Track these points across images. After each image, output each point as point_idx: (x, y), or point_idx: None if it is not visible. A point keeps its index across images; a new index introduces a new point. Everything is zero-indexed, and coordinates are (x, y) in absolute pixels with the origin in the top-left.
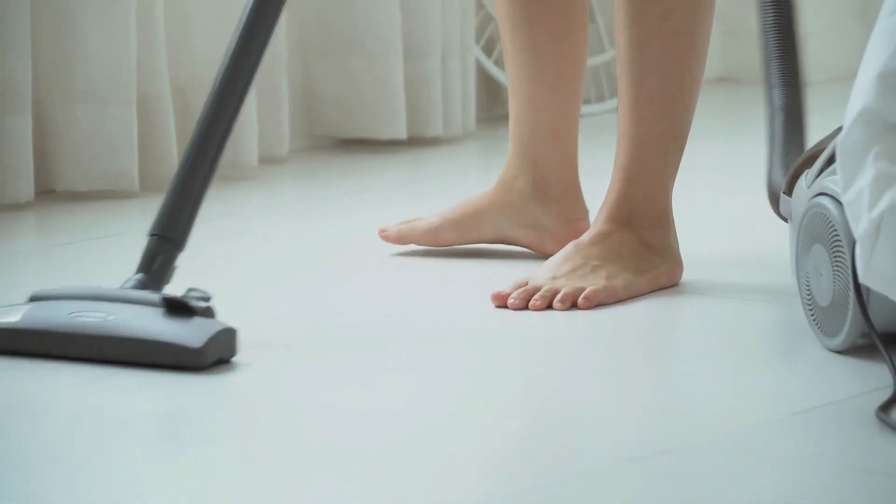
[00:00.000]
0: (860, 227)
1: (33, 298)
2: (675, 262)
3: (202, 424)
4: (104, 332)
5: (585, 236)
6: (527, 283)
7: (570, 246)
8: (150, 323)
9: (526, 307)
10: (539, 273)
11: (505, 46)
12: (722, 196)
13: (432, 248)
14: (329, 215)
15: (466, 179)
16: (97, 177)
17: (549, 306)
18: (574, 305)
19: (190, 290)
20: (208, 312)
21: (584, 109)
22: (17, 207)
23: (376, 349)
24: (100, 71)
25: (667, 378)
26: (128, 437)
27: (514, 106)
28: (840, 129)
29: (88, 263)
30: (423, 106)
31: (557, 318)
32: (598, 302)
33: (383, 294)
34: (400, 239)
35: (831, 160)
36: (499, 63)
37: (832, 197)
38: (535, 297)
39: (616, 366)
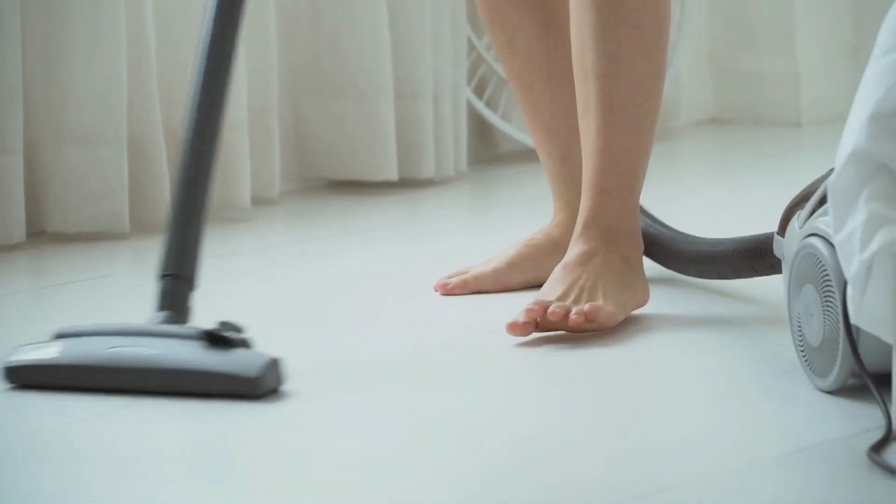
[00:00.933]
0: (852, 268)
1: (60, 335)
2: (646, 283)
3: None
4: (153, 364)
5: (569, 257)
6: (532, 309)
7: (557, 269)
8: (197, 355)
9: (536, 326)
10: (539, 299)
11: (531, 94)
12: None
13: (497, 292)
14: (321, 257)
15: (458, 221)
16: (88, 218)
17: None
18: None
19: (221, 323)
20: (246, 344)
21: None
22: (8, 249)
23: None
24: (91, 112)
25: (655, 417)
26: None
27: (556, 147)
28: (832, 170)
29: (80, 304)
30: (415, 148)
31: (549, 354)
32: (597, 320)
33: (392, 330)
34: (465, 287)
35: (823, 201)
36: (490, 104)
37: (823, 238)
38: (548, 313)
39: (603, 404)
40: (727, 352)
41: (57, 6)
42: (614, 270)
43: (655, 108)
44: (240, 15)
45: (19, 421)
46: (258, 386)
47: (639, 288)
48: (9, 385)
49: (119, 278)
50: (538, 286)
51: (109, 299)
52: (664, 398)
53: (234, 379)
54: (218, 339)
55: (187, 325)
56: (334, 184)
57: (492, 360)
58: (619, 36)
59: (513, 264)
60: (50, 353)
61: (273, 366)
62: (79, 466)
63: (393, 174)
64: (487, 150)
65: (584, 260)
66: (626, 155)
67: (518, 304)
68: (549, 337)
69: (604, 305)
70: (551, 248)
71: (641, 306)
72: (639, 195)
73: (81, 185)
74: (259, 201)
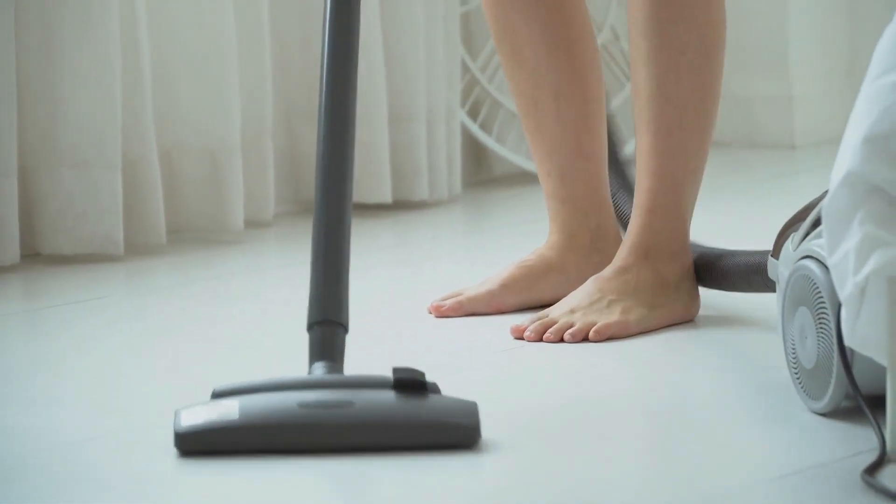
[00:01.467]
0: (846, 290)
1: (219, 394)
2: (691, 298)
3: None
4: (358, 418)
5: (606, 270)
6: (544, 317)
7: (589, 280)
8: (401, 404)
9: (541, 340)
10: (557, 307)
11: (541, 108)
12: None
13: (491, 314)
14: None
15: (452, 244)
16: (82, 240)
17: (562, 339)
18: (586, 338)
19: (397, 369)
20: (437, 389)
21: None
22: (2, 270)
23: None
24: (85, 135)
25: (650, 439)
26: None
27: (556, 167)
28: (826, 192)
29: (75, 327)
30: (409, 170)
31: (558, 358)
32: (608, 335)
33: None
34: (459, 309)
35: (817, 223)
36: (485, 127)
37: (817, 260)
38: (549, 330)
39: (598, 425)
40: (721, 373)
41: (51, 29)
42: (644, 287)
43: (705, 129)
44: (357, 31)
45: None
46: (477, 434)
47: (676, 305)
48: (182, 452)
49: (114, 300)
50: (532, 308)
51: (105, 322)
52: (656, 420)
53: (455, 428)
54: (414, 385)
55: (369, 374)
56: None
57: (482, 383)
58: (665, 60)
59: (506, 286)
60: (227, 413)
61: (476, 411)
62: None
63: (387, 196)
64: (481, 173)
65: (617, 274)
66: (672, 175)
67: (510, 326)
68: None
69: (614, 322)
70: (545, 270)
71: (681, 320)
72: (687, 214)
73: (76, 208)
74: (253, 224)
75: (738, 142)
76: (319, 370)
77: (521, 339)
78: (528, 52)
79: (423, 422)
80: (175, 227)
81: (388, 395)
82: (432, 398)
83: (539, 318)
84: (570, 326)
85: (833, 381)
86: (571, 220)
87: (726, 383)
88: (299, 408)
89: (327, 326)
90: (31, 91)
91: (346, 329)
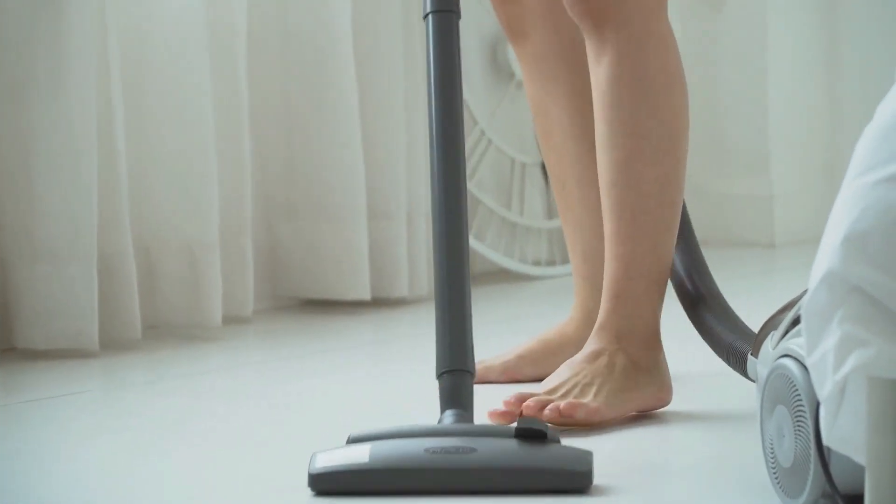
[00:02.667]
0: (825, 390)
1: (354, 440)
2: (664, 384)
3: None
4: (480, 464)
5: (579, 355)
6: (520, 399)
7: (563, 365)
8: (522, 452)
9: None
10: (522, 392)
11: (568, 189)
12: (690, 365)
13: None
14: (294, 376)
15: (431, 341)
16: (57, 335)
17: None
18: (559, 422)
19: (522, 419)
20: (557, 439)
21: (548, 271)
22: None
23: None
24: (61, 229)
25: None
26: None
27: (580, 244)
28: (806, 291)
29: (50, 421)
30: (389, 267)
31: None
32: (577, 420)
33: None
34: (476, 378)
35: (796, 322)
36: None
37: (795, 359)
38: (525, 413)
39: None
40: (696, 471)
41: (27, 122)
42: (617, 371)
43: (669, 215)
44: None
45: None
46: (591, 480)
47: (648, 390)
48: (316, 492)
49: (90, 395)
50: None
51: (81, 416)
52: None
53: (571, 474)
54: (535, 433)
55: (493, 424)
56: (307, 303)
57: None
58: (627, 146)
59: (522, 357)
60: (359, 456)
61: (590, 460)
62: None
63: (366, 293)
64: None
65: (590, 359)
66: (638, 262)
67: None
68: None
69: (586, 403)
70: (561, 344)
71: (654, 408)
72: (658, 299)
73: (51, 302)
74: (232, 320)
75: (717, 240)
76: (449, 417)
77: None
78: (558, 136)
79: (539, 467)
80: (153, 323)
81: (510, 443)
82: (550, 447)
83: (516, 401)
84: (545, 407)
85: (810, 479)
86: (591, 298)
87: (700, 481)
88: (426, 453)
89: (457, 374)
90: (6, 184)
91: (473, 375)
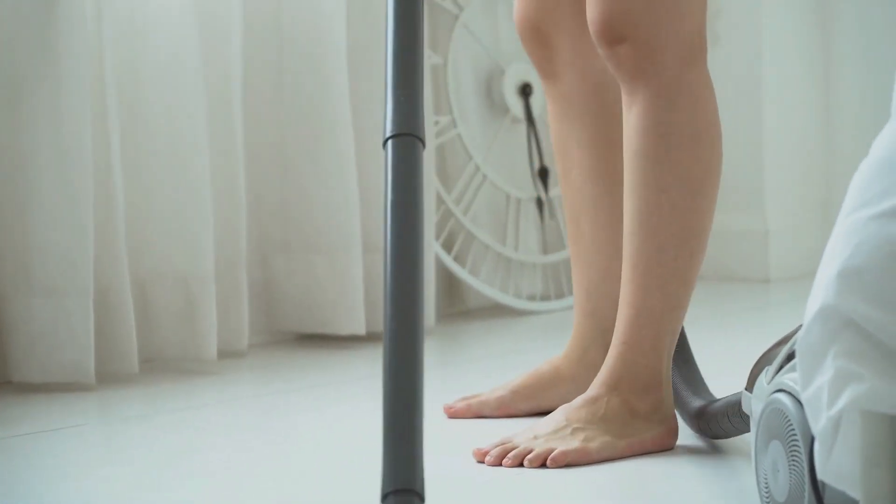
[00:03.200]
0: (819, 425)
1: None
2: (666, 430)
3: None
4: None
5: (576, 400)
6: (508, 442)
7: (558, 409)
8: None
9: (501, 464)
10: (522, 432)
11: (580, 226)
12: None
13: (500, 418)
14: (289, 411)
15: (427, 376)
16: (53, 369)
17: (521, 464)
18: (544, 465)
19: None
20: None
21: (543, 306)
22: None
23: None
24: (57, 263)
25: None
26: None
27: (585, 281)
28: (800, 326)
29: (46, 455)
30: (383, 302)
31: (526, 478)
32: (566, 462)
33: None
34: (469, 412)
35: (790, 357)
36: (458, 259)
37: (790, 394)
38: (509, 455)
39: None
40: None
41: (24, 156)
42: (612, 417)
43: (687, 268)
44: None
45: None
46: None
47: (646, 435)
48: None
49: (86, 429)
50: (541, 413)
51: (77, 450)
52: None
53: None
54: None
55: None
56: (302, 337)
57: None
58: (648, 197)
59: (516, 391)
60: None
61: None
62: None
63: (360, 328)
64: (455, 305)
65: (586, 404)
66: (648, 311)
67: (507, 429)
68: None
69: (574, 448)
70: (555, 379)
71: (653, 451)
72: (663, 350)
73: (47, 336)
74: (227, 354)
75: (712, 275)
76: None
77: (483, 462)
78: (576, 176)
79: None
80: (148, 357)
81: None
82: None
83: (502, 443)
84: (529, 452)
85: None
86: (590, 334)
87: None
88: None
89: (402, 497)
90: (3, 218)
91: (422, 499)
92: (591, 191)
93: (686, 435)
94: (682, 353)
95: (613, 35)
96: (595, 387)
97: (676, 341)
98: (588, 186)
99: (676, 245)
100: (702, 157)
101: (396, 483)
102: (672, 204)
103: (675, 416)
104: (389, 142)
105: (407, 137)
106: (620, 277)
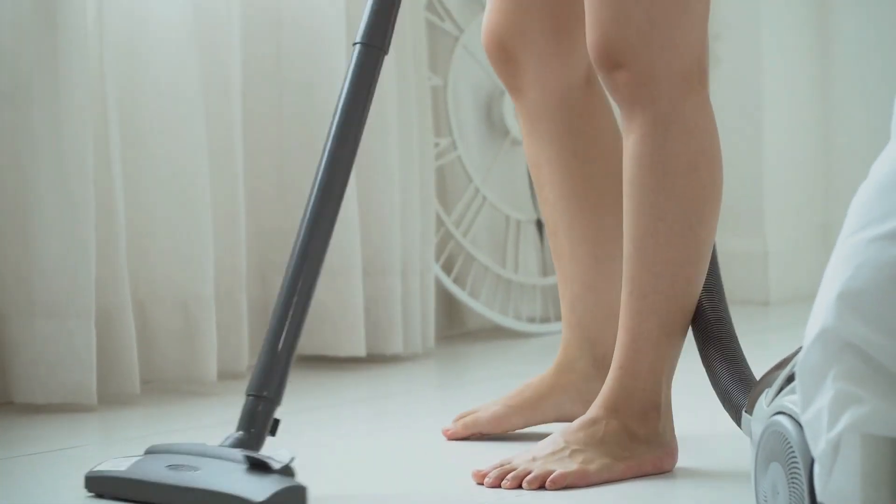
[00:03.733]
0: (819, 447)
1: (148, 451)
2: (665, 452)
3: None
4: (186, 483)
5: (574, 422)
6: (507, 464)
7: (557, 431)
8: (228, 477)
9: (500, 486)
10: (520, 454)
11: (559, 240)
12: (694, 424)
13: (495, 434)
14: (287, 433)
15: (426, 398)
16: (55, 390)
17: (520, 486)
18: (542, 487)
19: (277, 451)
20: (287, 471)
21: (543, 328)
22: None
23: None
24: (59, 284)
25: None
26: None
27: (569, 293)
28: (800, 348)
29: (48, 476)
30: (383, 323)
31: (525, 500)
32: (565, 485)
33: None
34: (466, 430)
35: (790, 379)
36: (458, 281)
37: (790, 416)
38: (507, 477)
39: None
40: None
41: (25, 178)
42: (610, 440)
43: (683, 294)
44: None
45: None
46: None
47: (645, 457)
48: (89, 494)
49: (87, 450)
50: (535, 425)
51: (79, 471)
52: None
53: (243, 502)
54: (257, 463)
55: (256, 447)
56: (302, 358)
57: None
58: (644, 224)
59: (510, 406)
60: (123, 466)
61: (290, 493)
62: None
63: (360, 350)
64: (455, 327)
65: (585, 426)
66: (646, 336)
67: (507, 451)
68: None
69: (572, 470)
70: (546, 391)
71: (651, 474)
72: (665, 373)
73: (49, 357)
74: (227, 375)
75: None
76: (230, 439)
77: (482, 483)
78: (549, 192)
79: (222, 493)
80: (149, 378)
81: (231, 469)
82: (267, 477)
83: (501, 465)
84: (528, 474)
85: None
86: (576, 345)
87: None
88: (164, 468)
89: (256, 400)
90: (5, 239)
91: (274, 401)
92: (565, 206)
93: (685, 457)
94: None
95: (611, 61)
96: (594, 409)
97: (676, 365)
98: (561, 202)
99: (673, 272)
100: (699, 186)
101: (258, 388)
102: (669, 231)
103: (674, 439)
104: (358, 46)
105: (373, 49)
106: (601, 290)
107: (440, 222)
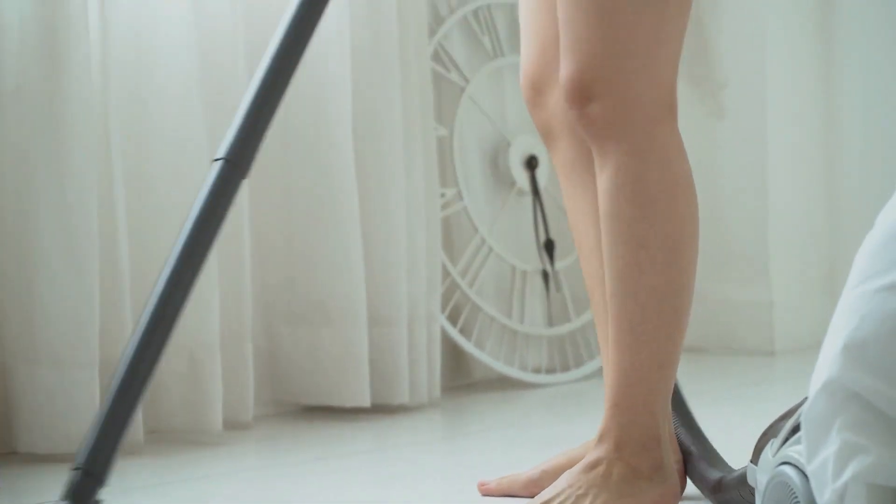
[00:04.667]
0: (824, 497)
1: None
2: (667, 488)
3: None
4: None
5: (578, 465)
6: None
7: (562, 475)
8: None
9: None
10: (529, 501)
11: (593, 299)
12: None
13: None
14: (294, 484)
15: (432, 448)
16: (59, 440)
17: None
18: None
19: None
20: None
21: (549, 379)
22: None
23: None
24: (63, 334)
25: None
26: None
27: (605, 356)
28: (806, 399)
29: None
30: (389, 374)
31: None
32: None
33: None
34: (499, 490)
35: (796, 429)
36: (464, 332)
37: (795, 466)
38: None
39: None
40: None
41: (29, 227)
42: (613, 480)
43: (671, 324)
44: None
45: None
46: None
47: (649, 494)
48: None
49: None
50: None
51: None
52: None
53: None
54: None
55: None
56: (307, 409)
57: None
58: (626, 256)
59: (546, 471)
60: None
61: None
62: None
63: (365, 400)
64: (461, 378)
65: (587, 469)
66: (637, 371)
67: None
68: None
69: None
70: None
71: None
72: (656, 408)
73: (52, 406)
74: (232, 425)
75: (716, 348)
76: None
77: None
78: (584, 245)
79: None
80: (154, 427)
81: None
82: None
83: None
84: None
85: None
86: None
87: None
88: None
89: (79, 474)
90: (9, 289)
91: (98, 481)
92: (598, 260)
93: (691, 495)
94: (690, 425)
95: (584, 94)
96: (595, 450)
97: (671, 402)
98: (594, 255)
99: (658, 301)
100: (677, 213)
101: (84, 462)
102: (651, 260)
103: (676, 475)
104: (218, 162)
105: (233, 165)
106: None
107: (446, 272)
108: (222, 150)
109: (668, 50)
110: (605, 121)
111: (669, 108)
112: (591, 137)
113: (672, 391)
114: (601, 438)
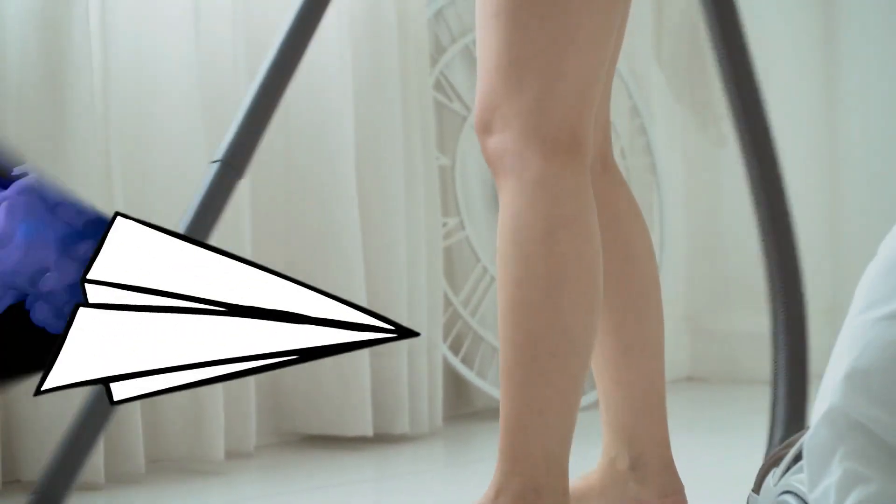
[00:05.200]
0: None
1: None
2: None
3: None
4: None
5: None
6: None
7: None
8: None
9: None
10: None
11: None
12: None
13: None
14: None
15: (433, 478)
16: None
17: None
18: None
19: None
20: None
21: None
22: None
23: None
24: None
25: None
26: None
27: (600, 388)
28: (807, 428)
29: None
30: (390, 403)
31: None
32: None
33: None
34: None
35: (797, 458)
36: (466, 361)
37: (797, 495)
38: None
39: None
40: None
41: None
42: None
43: (549, 369)
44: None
45: None
46: None
47: None
48: None
49: None
50: None
51: None
52: None
53: None
54: None
55: None
56: (309, 438)
57: None
58: (504, 296)
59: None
60: None
61: None
62: None
63: (367, 429)
64: (463, 407)
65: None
66: (514, 417)
67: None
68: None
69: None
70: (586, 492)
71: None
72: (538, 458)
73: (56, 435)
74: (234, 455)
75: (717, 377)
76: None
77: None
78: None
79: None
80: (156, 457)
81: None
82: None
83: None
84: None
85: None
86: (613, 446)
87: None
88: None
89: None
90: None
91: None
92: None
93: None
94: None
95: (485, 127)
96: (482, 499)
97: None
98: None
99: (534, 343)
100: (554, 253)
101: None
102: (527, 301)
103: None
104: (215, 164)
105: (229, 168)
106: (629, 385)
107: (448, 302)
108: (220, 152)
109: (569, 86)
110: (498, 155)
111: (569, 146)
112: (492, 171)
113: (565, 440)
114: (489, 486)
